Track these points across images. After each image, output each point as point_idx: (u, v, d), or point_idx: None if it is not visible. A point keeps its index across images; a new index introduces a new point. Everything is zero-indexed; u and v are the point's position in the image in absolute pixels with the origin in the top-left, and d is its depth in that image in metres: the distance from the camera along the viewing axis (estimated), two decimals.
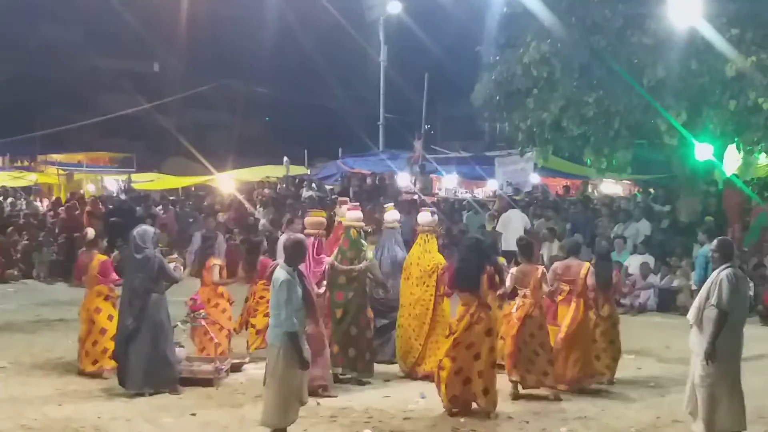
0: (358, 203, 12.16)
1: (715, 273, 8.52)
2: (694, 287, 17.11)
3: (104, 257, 11.64)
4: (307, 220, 11.06)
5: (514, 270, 10.67)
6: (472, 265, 9.65)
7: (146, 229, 10.85)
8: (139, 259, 10.41)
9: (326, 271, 10.78)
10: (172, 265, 10.97)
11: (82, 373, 11.21)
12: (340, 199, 13.48)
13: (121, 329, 10.47)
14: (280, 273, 8.28)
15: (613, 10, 18.85)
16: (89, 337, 11.31)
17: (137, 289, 10.37)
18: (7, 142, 35.47)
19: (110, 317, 11.32)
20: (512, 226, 19.21)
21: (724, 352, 8.41)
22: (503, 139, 25.50)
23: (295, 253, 8.50)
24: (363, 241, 11.23)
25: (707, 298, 8.39)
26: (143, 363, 10.23)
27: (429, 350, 11.17)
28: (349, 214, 11.33)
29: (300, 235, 9.22)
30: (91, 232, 12.22)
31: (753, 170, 23.14)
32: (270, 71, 43.24)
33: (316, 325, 9.90)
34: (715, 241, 8.85)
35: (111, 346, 11.11)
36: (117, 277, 11.37)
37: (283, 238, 10.87)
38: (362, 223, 11.37)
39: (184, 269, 12.28)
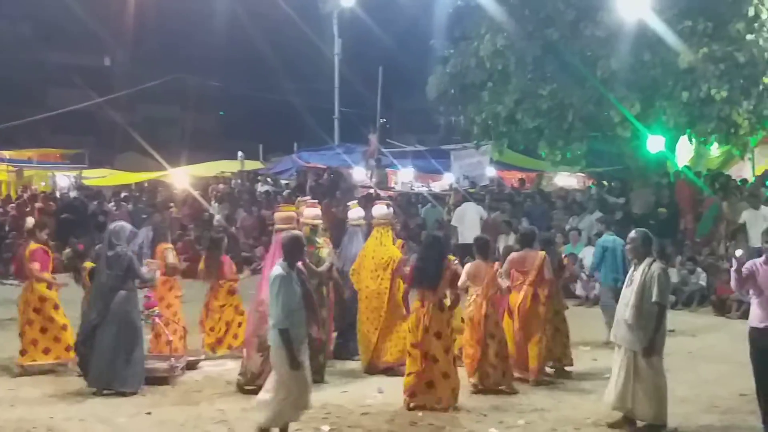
0: (315, 200, 12.09)
1: (642, 267, 8.57)
2: (584, 277, 17.32)
3: (37, 245, 11.40)
4: (277, 215, 10.92)
5: (468, 266, 10.66)
6: (431, 262, 9.63)
7: (122, 225, 10.70)
8: (110, 255, 10.28)
9: None
10: (146, 268, 10.84)
11: (23, 369, 11.07)
12: (300, 199, 13.35)
13: (85, 324, 10.37)
14: (276, 269, 8.09)
15: (566, 2, 18.98)
16: (32, 328, 11.14)
17: (104, 285, 10.25)
18: None
19: (56, 306, 11.19)
20: (467, 219, 19.29)
21: (660, 344, 8.60)
22: (459, 132, 25.51)
23: (293, 250, 8.30)
24: (317, 239, 11.16)
25: (642, 294, 8.45)
26: (105, 360, 10.08)
27: (387, 342, 11.15)
28: (306, 212, 11.27)
29: (298, 232, 9.05)
30: (29, 221, 12.02)
31: (705, 162, 23.39)
32: (223, 65, 42.95)
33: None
34: (635, 234, 8.86)
35: (64, 335, 10.99)
36: (37, 267, 11.16)
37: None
38: (319, 221, 11.29)
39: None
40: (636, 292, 8.49)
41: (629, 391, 8.55)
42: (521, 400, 9.95)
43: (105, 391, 10.04)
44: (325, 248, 11.21)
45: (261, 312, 10.16)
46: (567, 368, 11.27)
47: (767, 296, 8.05)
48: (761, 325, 8.10)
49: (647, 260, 8.60)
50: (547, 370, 11.07)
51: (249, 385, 10.13)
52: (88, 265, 11.78)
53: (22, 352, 11.19)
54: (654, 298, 8.42)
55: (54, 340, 11.16)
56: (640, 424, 8.66)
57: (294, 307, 8.02)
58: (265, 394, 8.15)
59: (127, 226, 10.74)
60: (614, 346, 8.89)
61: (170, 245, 12.24)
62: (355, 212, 12.44)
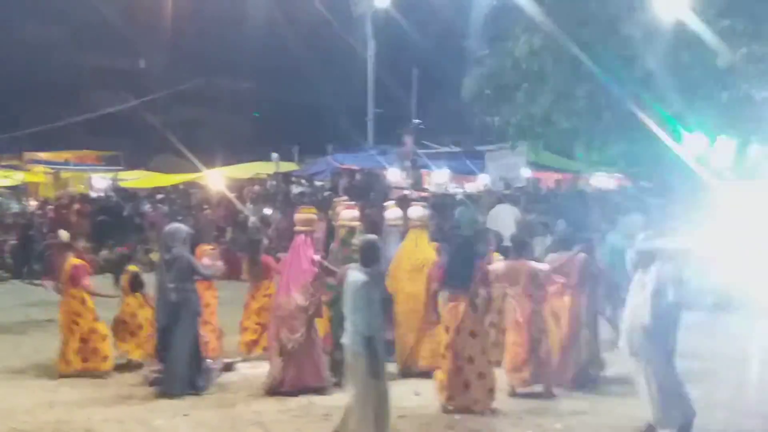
0: (353, 202, 12.06)
1: (653, 270, 8.39)
2: None
3: (77, 261, 11.43)
4: (297, 216, 10.89)
5: (499, 266, 10.58)
6: (462, 263, 9.56)
7: (177, 227, 10.75)
8: (167, 258, 10.32)
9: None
10: (206, 260, 10.89)
11: (64, 376, 11.09)
12: (337, 200, 13.34)
13: (157, 330, 10.50)
14: (359, 275, 8.01)
15: (602, 2, 18.77)
16: (72, 339, 11.19)
17: (165, 287, 10.30)
18: None
19: (96, 318, 11.23)
20: (501, 221, 19.10)
21: (674, 345, 8.49)
22: (494, 133, 25.38)
23: (370, 254, 8.23)
24: (355, 241, 11.12)
25: (657, 297, 8.26)
26: (177, 365, 10.18)
27: (423, 345, 11.09)
28: (344, 213, 11.25)
29: (373, 236, 9.00)
30: (64, 234, 12.08)
31: (745, 162, 23.08)
32: (258, 67, 43.10)
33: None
34: (644, 237, 8.74)
35: (102, 346, 11.05)
36: (88, 283, 11.22)
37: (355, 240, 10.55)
38: (357, 223, 11.26)
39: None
40: (652, 296, 8.31)
41: (657, 402, 8.42)
42: (558, 404, 9.87)
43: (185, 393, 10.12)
44: None
45: (280, 316, 10.19)
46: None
47: None
48: None
49: (658, 263, 8.41)
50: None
51: (274, 390, 10.16)
52: (132, 268, 11.87)
53: (65, 360, 11.23)
54: (671, 298, 8.26)
55: (92, 352, 11.20)
56: None
57: (376, 312, 7.99)
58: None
59: (183, 227, 10.78)
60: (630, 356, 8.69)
61: (209, 247, 12.24)
62: (393, 212, 12.39)
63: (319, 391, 10.08)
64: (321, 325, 11.48)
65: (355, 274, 8.06)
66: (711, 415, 8.89)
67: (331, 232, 13.68)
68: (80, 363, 11.18)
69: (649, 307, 8.28)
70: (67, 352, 11.21)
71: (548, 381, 10.23)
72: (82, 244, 11.97)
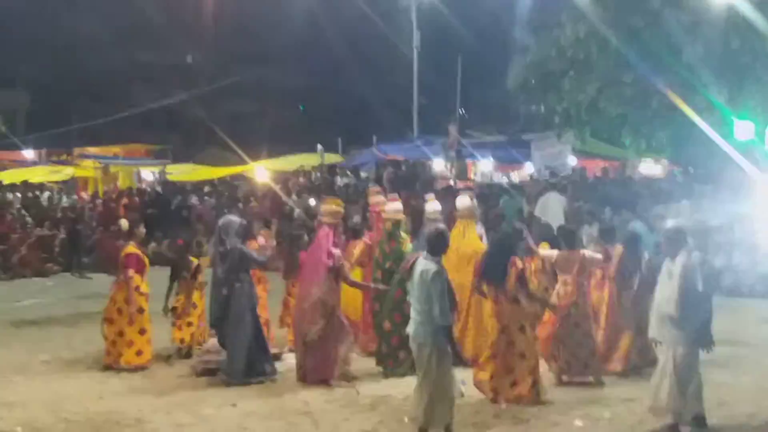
0: (396, 194, 12.01)
1: (680, 259, 8.21)
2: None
3: (133, 249, 11.48)
4: (323, 208, 10.89)
5: (554, 254, 10.53)
6: (498, 259, 9.46)
7: (230, 219, 10.81)
8: (221, 251, 10.41)
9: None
10: (261, 240, 10.93)
11: (108, 368, 11.20)
12: (372, 188, 13.33)
13: (214, 321, 10.58)
14: (430, 264, 8.04)
15: None
16: (111, 328, 11.27)
17: (220, 279, 10.40)
18: (43, 136, 35.80)
19: (140, 310, 11.27)
20: (551, 209, 18.97)
21: (707, 336, 8.35)
22: (539, 121, 25.21)
23: (439, 244, 8.26)
24: (402, 233, 11.09)
25: (685, 287, 8.09)
26: (237, 353, 10.27)
27: (468, 336, 11.04)
28: (388, 206, 11.24)
29: (442, 225, 8.93)
30: (124, 223, 12.18)
31: None
32: (303, 59, 43.20)
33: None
34: (671, 225, 8.64)
35: (138, 340, 11.11)
36: (132, 275, 11.22)
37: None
38: (401, 216, 11.23)
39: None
40: (679, 286, 8.13)
41: (673, 392, 8.25)
42: (607, 392, 9.79)
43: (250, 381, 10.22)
44: (408, 243, 11.15)
45: (302, 308, 10.21)
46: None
47: None
48: None
49: (684, 251, 8.25)
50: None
51: (302, 379, 10.24)
52: (195, 260, 11.97)
53: (107, 351, 11.33)
54: (700, 288, 8.09)
55: (127, 345, 11.21)
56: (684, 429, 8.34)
57: (448, 302, 8.01)
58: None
59: (236, 219, 10.83)
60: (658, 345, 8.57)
61: (256, 243, 12.23)
62: (432, 205, 12.31)
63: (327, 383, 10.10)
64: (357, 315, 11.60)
65: (426, 264, 8.06)
66: (739, 400, 8.79)
67: (365, 219, 13.68)
68: (117, 357, 11.19)
69: (676, 297, 8.12)
70: (107, 343, 11.30)
71: (597, 370, 10.15)
72: (141, 232, 12.02)
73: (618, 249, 10.81)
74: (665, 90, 18.63)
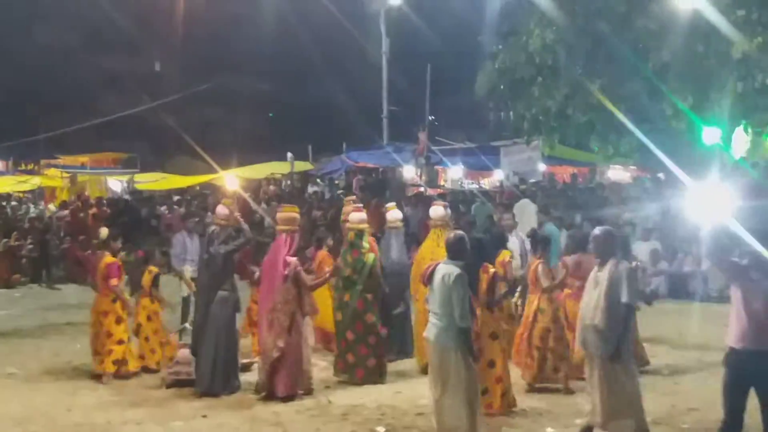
0: (361, 204, 12.01)
1: (608, 267, 8.09)
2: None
3: (112, 259, 11.47)
4: (279, 215, 10.77)
5: (569, 260, 10.65)
6: (471, 265, 9.41)
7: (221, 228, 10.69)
8: (206, 258, 10.43)
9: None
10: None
11: (94, 375, 11.14)
12: (348, 198, 13.30)
13: (194, 328, 10.61)
14: (452, 268, 8.00)
15: None
16: (97, 340, 11.23)
17: (204, 286, 10.45)
18: (11, 146, 35.46)
19: (118, 320, 11.22)
20: (526, 215, 18.94)
21: (628, 347, 8.21)
22: (508, 128, 25.31)
23: (461, 249, 8.22)
24: (364, 243, 11.08)
25: (608, 295, 7.98)
26: (210, 363, 10.21)
27: None
28: (352, 216, 11.22)
29: (461, 232, 8.82)
30: (103, 232, 12.12)
31: (761, 153, 22.92)
32: (271, 67, 43.13)
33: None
34: (598, 232, 8.35)
35: (116, 349, 11.04)
36: (115, 284, 11.22)
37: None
38: (364, 225, 11.21)
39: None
40: (605, 295, 8.02)
41: (606, 404, 8.10)
42: (578, 400, 9.80)
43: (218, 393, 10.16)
44: (370, 254, 11.12)
45: (266, 320, 10.17)
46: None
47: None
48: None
49: (612, 260, 8.11)
50: None
51: (262, 390, 10.18)
52: (154, 269, 11.91)
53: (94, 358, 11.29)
54: (623, 299, 7.97)
55: (107, 353, 11.15)
56: None
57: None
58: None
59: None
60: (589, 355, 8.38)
61: None
62: (393, 214, 12.34)
63: (287, 400, 9.95)
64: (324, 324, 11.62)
65: (447, 268, 8.04)
66: (709, 405, 8.85)
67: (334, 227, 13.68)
68: (98, 365, 11.18)
69: (602, 307, 8.02)
70: (92, 351, 11.26)
71: (565, 377, 10.18)
72: (118, 245, 11.94)
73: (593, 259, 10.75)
74: (633, 96, 18.77)
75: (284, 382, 9.99)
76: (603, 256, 8.21)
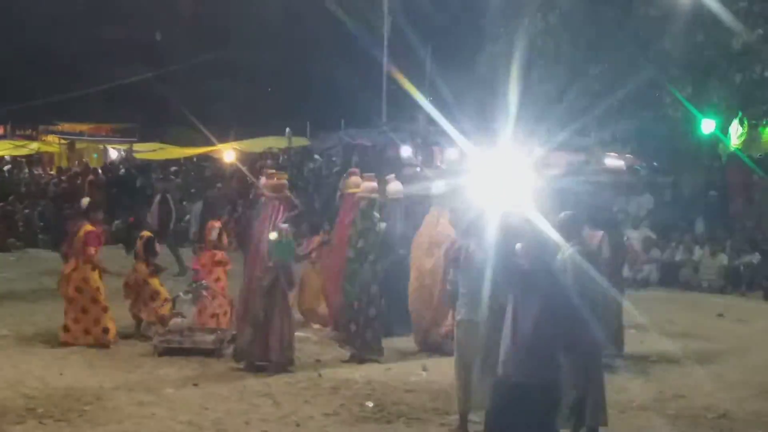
0: (372, 174, 11.96)
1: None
2: None
3: (90, 228, 11.43)
4: (269, 183, 10.71)
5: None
6: None
7: None
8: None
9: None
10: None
11: (66, 344, 11.13)
12: (351, 170, 13.23)
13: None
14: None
15: None
16: (72, 308, 11.23)
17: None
18: (9, 111, 35.36)
19: (98, 289, 11.26)
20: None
21: None
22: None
23: (574, 228, 8.00)
24: (375, 213, 11.05)
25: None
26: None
27: (439, 320, 11.09)
28: (364, 185, 11.18)
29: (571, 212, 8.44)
30: (84, 201, 12.12)
31: (758, 145, 22.99)
32: (274, 42, 42.98)
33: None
34: (562, 216, 8.03)
35: (104, 318, 11.09)
36: (93, 252, 11.19)
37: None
38: (376, 195, 11.18)
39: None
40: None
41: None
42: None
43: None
44: (382, 223, 11.11)
45: (256, 286, 10.20)
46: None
47: None
48: None
49: (568, 245, 7.80)
50: None
51: (242, 358, 10.24)
52: (146, 234, 11.98)
53: (65, 328, 11.28)
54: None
55: (94, 323, 11.21)
56: None
57: None
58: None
59: None
60: None
61: (218, 223, 12.28)
62: (394, 185, 12.29)
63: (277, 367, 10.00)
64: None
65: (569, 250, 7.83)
66: (695, 393, 8.95)
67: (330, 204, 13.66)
68: (82, 334, 11.20)
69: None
70: (67, 320, 11.26)
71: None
72: (99, 215, 11.96)
73: (598, 235, 10.77)
74: (632, 83, 18.80)
75: (273, 348, 10.01)
76: (567, 240, 7.97)
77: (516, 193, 7.16)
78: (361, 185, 11.33)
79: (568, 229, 7.82)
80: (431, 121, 30.68)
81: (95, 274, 11.29)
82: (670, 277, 17.57)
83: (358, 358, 10.61)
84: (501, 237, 6.34)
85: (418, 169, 24.26)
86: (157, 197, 18.86)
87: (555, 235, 6.37)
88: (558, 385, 5.97)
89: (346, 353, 10.74)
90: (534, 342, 5.78)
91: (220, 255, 12.05)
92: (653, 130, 20.91)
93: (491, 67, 21.39)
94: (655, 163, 23.22)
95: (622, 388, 9.53)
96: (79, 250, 11.31)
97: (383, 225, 11.04)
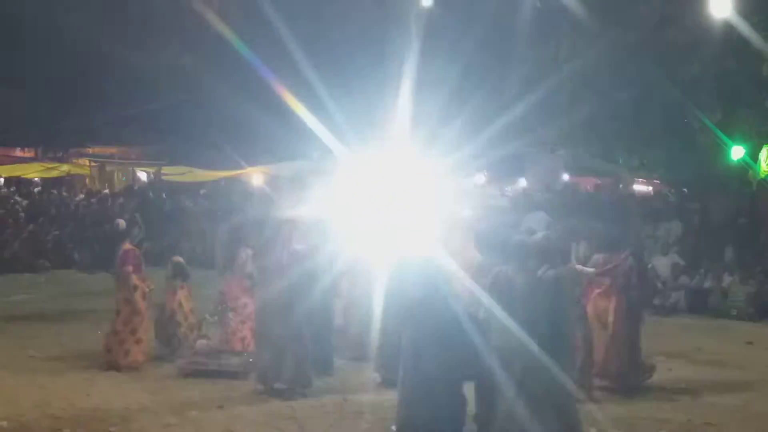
0: None
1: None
2: (659, 285, 16.92)
3: (128, 246, 11.57)
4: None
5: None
6: None
7: None
8: None
9: None
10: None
11: (113, 366, 11.18)
12: None
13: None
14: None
15: (648, 6, 18.63)
16: (124, 328, 11.29)
17: None
18: (40, 134, 35.78)
19: (136, 310, 11.31)
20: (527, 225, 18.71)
21: None
22: (533, 136, 25.31)
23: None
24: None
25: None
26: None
27: None
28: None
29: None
30: (121, 223, 12.26)
31: None
32: (302, 66, 43.21)
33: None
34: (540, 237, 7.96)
35: (133, 339, 11.16)
36: (130, 270, 11.30)
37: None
38: None
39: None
40: None
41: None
42: (593, 409, 9.79)
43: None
44: None
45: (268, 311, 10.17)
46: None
47: None
48: None
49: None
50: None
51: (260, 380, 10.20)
52: (176, 259, 12.07)
53: (111, 350, 11.31)
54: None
55: (136, 343, 11.29)
56: None
57: None
58: None
59: None
60: None
61: (249, 251, 12.26)
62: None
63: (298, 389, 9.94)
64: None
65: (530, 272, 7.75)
66: (725, 421, 8.84)
67: None
68: (123, 357, 11.22)
69: None
70: (110, 340, 11.34)
71: (588, 385, 9.97)
72: (138, 233, 12.08)
73: (626, 259, 10.77)
74: (661, 109, 18.74)
75: (289, 370, 9.89)
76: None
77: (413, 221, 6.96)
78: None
79: (545, 251, 7.63)
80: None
81: (136, 294, 11.37)
82: (699, 304, 17.38)
83: (388, 383, 10.56)
84: (394, 268, 6.02)
85: None
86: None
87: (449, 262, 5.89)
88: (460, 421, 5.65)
89: (377, 377, 10.69)
90: (435, 376, 5.56)
91: (248, 283, 12.06)
92: (682, 156, 20.80)
93: (518, 93, 21.38)
94: (684, 189, 23.09)
95: (651, 416, 9.46)
96: (119, 269, 11.43)
97: None
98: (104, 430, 8.57)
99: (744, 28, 17.21)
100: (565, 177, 26.34)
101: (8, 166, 31.76)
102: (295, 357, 9.95)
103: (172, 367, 11.16)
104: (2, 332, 13.62)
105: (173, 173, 33.69)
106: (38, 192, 28.31)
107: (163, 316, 11.84)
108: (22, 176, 29.32)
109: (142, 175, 34.39)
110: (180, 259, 12.30)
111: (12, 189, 26.92)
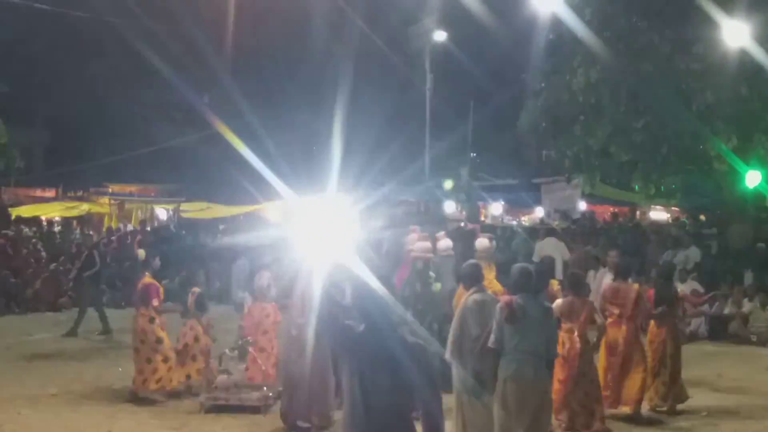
0: (426, 234, 12.01)
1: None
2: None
3: (150, 280, 11.72)
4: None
5: (560, 303, 10.31)
6: None
7: None
8: None
9: None
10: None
11: (134, 397, 11.28)
12: (411, 228, 13.27)
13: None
14: (544, 303, 8.26)
15: (661, 35, 18.70)
16: (138, 358, 11.44)
17: None
18: (61, 173, 36.10)
19: (158, 339, 11.42)
20: (545, 254, 18.65)
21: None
22: (550, 166, 25.36)
23: (529, 281, 8.13)
24: (431, 273, 11.10)
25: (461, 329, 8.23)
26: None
27: None
28: (418, 245, 11.27)
29: (523, 264, 8.72)
30: (141, 254, 12.38)
31: None
32: (316, 100, 43.51)
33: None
34: (514, 268, 8.26)
35: (161, 367, 11.22)
36: (157, 304, 11.47)
37: None
38: (430, 255, 11.27)
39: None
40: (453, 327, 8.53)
41: None
42: None
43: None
44: (437, 283, 11.16)
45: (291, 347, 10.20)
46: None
47: None
48: None
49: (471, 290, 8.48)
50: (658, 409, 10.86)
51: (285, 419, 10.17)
52: (196, 290, 12.16)
53: (134, 380, 11.49)
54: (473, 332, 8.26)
55: (152, 372, 11.39)
56: None
57: None
58: None
59: None
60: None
61: (268, 273, 12.29)
62: (445, 242, 12.30)
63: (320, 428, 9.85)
64: None
65: (539, 303, 8.07)
66: None
67: None
68: (140, 386, 11.38)
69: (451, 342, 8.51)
70: (135, 372, 11.47)
71: (594, 422, 9.89)
72: (158, 263, 12.21)
73: (634, 287, 10.84)
74: (676, 137, 18.77)
75: (312, 409, 9.84)
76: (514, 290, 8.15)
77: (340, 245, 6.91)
78: (415, 245, 11.39)
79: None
80: (475, 176, 30.83)
81: (154, 327, 11.45)
82: (719, 331, 17.31)
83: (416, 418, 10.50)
84: (326, 294, 5.58)
85: (462, 224, 24.28)
86: (84, 253, 19.18)
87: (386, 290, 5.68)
88: None
89: None
90: (384, 414, 5.23)
91: (269, 307, 12.08)
92: (698, 183, 20.80)
93: (532, 123, 21.48)
94: (701, 216, 23.04)
95: None
96: (138, 301, 11.55)
97: (438, 285, 11.08)
98: None
99: (758, 54, 17.27)
100: (582, 205, 26.36)
101: (30, 206, 32.03)
102: (318, 396, 9.94)
103: (193, 403, 11.19)
104: (25, 370, 13.71)
105: (192, 209, 33.87)
106: (59, 231, 28.48)
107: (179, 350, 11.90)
108: (42, 216, 29.54)
109: (161, 212, 34.57)
110: (198, 289, 12.36)
111: (33, 229, 27.10)
